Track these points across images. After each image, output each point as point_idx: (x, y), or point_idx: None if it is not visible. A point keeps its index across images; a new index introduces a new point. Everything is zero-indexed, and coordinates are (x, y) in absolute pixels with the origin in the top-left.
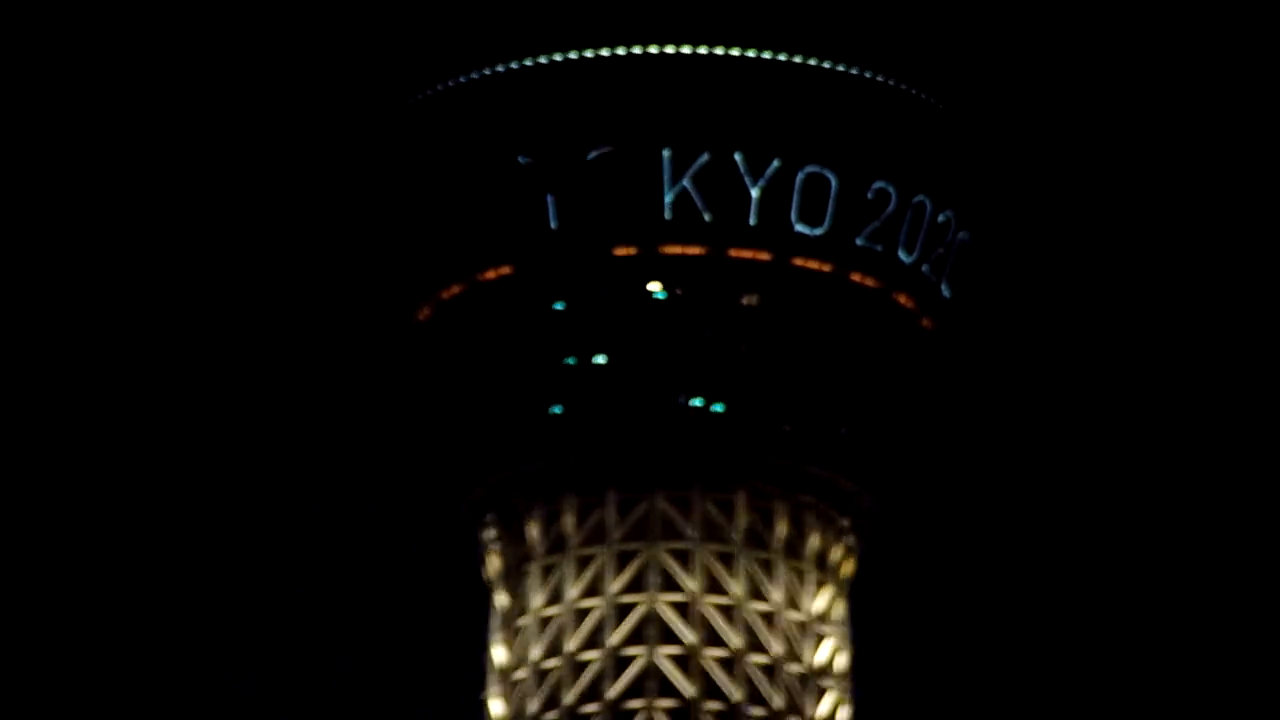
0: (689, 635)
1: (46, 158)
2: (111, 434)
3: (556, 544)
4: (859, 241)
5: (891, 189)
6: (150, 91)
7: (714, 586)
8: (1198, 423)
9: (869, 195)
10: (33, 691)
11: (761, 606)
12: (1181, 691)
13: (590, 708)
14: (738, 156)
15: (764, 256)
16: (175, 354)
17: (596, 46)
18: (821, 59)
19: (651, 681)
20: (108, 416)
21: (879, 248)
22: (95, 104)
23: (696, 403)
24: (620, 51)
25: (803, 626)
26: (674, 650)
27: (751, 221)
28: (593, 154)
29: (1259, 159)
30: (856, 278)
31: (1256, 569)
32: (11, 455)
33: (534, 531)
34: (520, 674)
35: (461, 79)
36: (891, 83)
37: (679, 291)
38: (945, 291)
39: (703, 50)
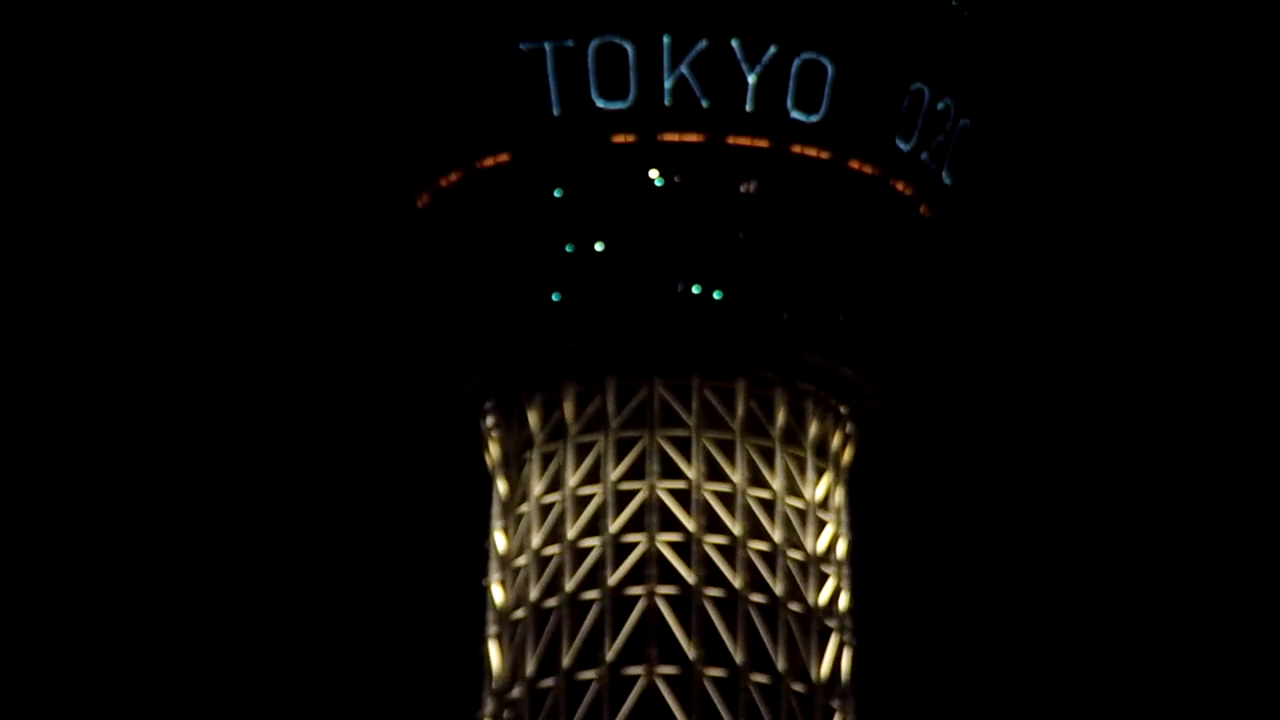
0: (689, 522)
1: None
2: (108, 323)
3: (556, 431)
4: (856, 128)
5: (888, 76)
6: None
7: (714, 473)
8: (1194, 305)
9: (865, 82)
10: (28, 685)
11: (761, 493)
12: (1180, 618)
13: (590, 594)
14: (735, 43)
15: (762, 143)
16: (173, 242)
17: None
18: None
19: (651, 568)
20: (100, 313)
21: (876, 134)
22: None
23: (695, 290)
24: None
25: (802, 513)
26: (674, 537)
27: (748, 108)
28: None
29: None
30: (855, 165)
31: (1261, 515)
32: None
33: (534, 419)
34: (521, 561)
35: None
36: None
37: (677, 179)
38: (946, 179)
39: None
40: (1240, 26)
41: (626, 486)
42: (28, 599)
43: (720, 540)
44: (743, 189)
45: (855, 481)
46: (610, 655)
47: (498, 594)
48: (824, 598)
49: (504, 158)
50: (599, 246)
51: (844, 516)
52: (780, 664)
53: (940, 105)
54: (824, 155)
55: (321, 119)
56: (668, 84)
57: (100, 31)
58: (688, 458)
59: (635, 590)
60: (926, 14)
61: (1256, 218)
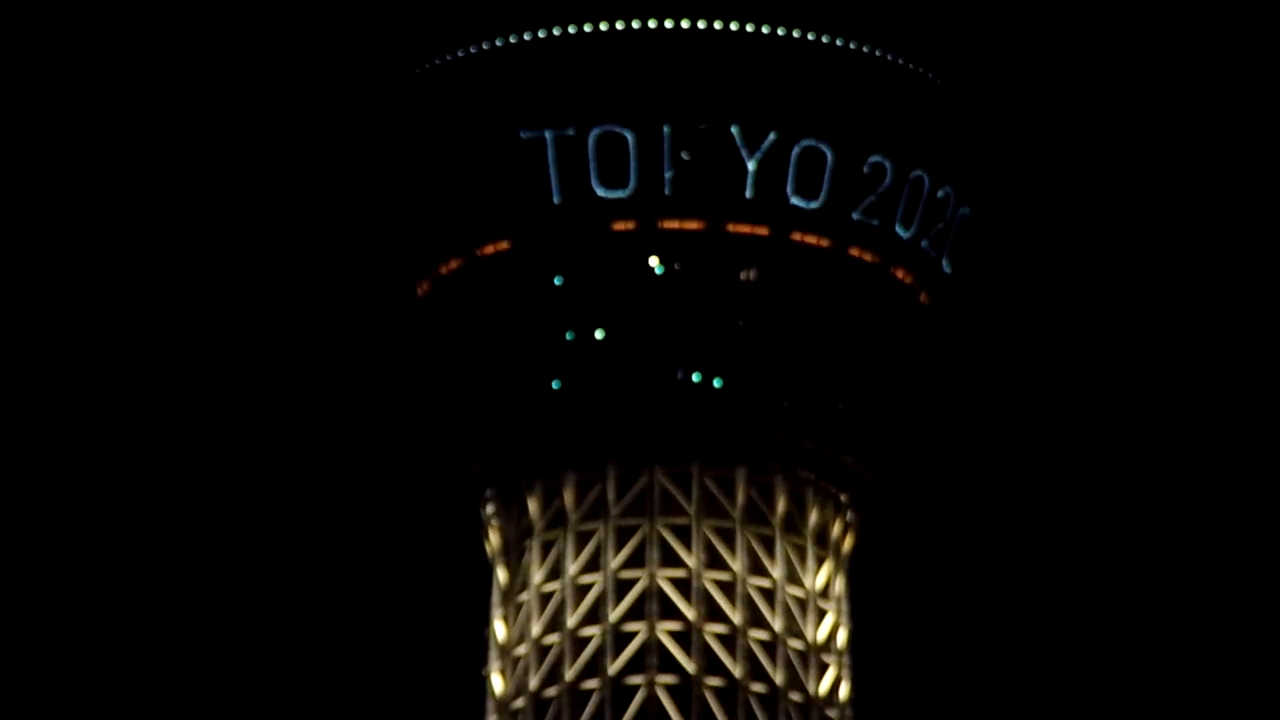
0: (689, 611)
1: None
2: (110, 408)
3: (556, 519)
4: (855, 215)
5: (888, 163)
6: (151, 73)
7: (714, 562)
8: (1196, 394)
9: (865, 169)
10: (29, 685)
11: (761, 582)
12: (1180, 681)
13: (590, 683)
14: (734, 130)
15: (762, 231)
16: (175, 330)
17: (596, 21)
18: (818, 33)
19: (652, 657)
20: (106, 391)
21: (875, 222)
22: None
23: (695, 378)
24: (619, 26)
25: (803, 602)
26: (674, 626)
27: (748, 194)
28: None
29: (1258, 134)
30: (855, 253)
31: (1256, 559)
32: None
33: (534, 507)
34: (521, 650)
35: (462, 53)
36: (889, 57)
37: (677, 266)
38: (946, 267)
39: (700, 24)
40: (1236, 103)
41: (626, 575)
42: (28, 599)
43: (720, 629)
44: (743, 277)
45: (856, 570)
46: None
47: (497, 683)
48: (824, 687)
49: (504, 245)
50: (599, 334)
51: (844, 605)
52: None
53: (940, 193)
54: (824, 243)
55: (323, 206)
56: (668, 173)
57: (106, 108)
58: (688, 546)
59: (635, 679)
60: (925, 102)
61: (1258, 300)
